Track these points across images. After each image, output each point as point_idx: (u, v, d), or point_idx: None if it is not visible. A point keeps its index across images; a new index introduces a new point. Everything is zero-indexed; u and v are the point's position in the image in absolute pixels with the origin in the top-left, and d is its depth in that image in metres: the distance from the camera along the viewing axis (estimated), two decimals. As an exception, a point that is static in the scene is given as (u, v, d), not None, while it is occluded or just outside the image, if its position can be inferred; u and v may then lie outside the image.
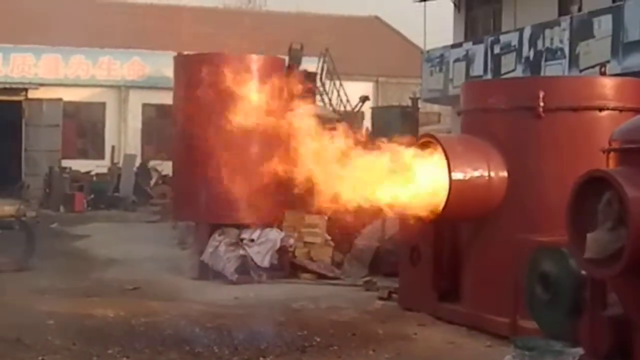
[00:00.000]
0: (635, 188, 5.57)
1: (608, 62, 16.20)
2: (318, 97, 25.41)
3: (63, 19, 28.17)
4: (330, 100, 26.13)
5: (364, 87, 30.83)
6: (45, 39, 30.25)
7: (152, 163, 28.68)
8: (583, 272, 6.31)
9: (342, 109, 25.66)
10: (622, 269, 5.61)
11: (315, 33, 30.96)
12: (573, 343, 6.45)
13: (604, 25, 18.53)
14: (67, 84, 30.87)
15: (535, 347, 6.59)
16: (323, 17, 39.09)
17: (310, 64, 25.33)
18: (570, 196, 6.01)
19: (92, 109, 32.44)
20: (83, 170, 28.26)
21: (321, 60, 26.82)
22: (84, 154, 31.80)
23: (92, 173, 28.47)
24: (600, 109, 8.67)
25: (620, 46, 18.01)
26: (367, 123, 25.76)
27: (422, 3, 26.82)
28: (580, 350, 6.26)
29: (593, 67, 17.44)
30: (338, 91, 26.77)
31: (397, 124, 22.18)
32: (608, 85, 8.94)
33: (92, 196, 25.72)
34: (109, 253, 14.59)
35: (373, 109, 26.96)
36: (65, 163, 27.58)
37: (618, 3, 19.02)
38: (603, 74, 9.42)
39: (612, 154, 6.08)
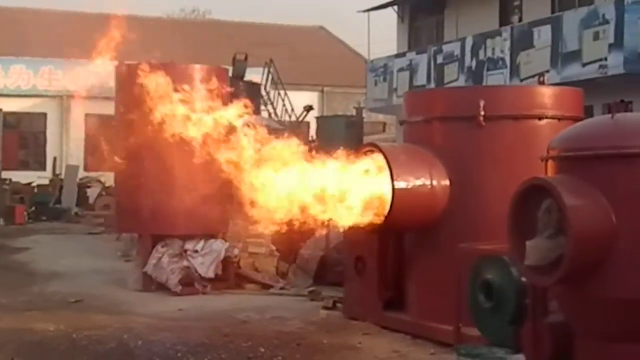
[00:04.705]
0: (573, 196, 5.65)
1: (547, 71, 16.46)
2: (263, 107, 25.42)
3: (3, 29, 27.73)
4: (275, 110, 26.13)
5: (309, 97, 30.92)
6: (-16, 49, 29.81)
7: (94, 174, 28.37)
8: (524, 279, 6.38)
9: (286, 118, 25.67)
10: (561, 276, 5.68)
11: (259, 43, 30.96)
12: (515, 350, 6.51)
13: (543, 35, 18.89)
14: (7, 94, 30.42)
15: (478, 355, 6.64)
16: (267, 27, 39.09)
17: (254, 75, 25.32)
18: (511, 204, 6.07)
19: (34, 120, 32.02)
20: (24, 181, 27.85)
21: (265, 70, 26.81)
22: (25, 165, 31.33)
23: (34, 184, 28.07)
24: (540, 118, 8.79)
25: (559, 56, 18.35)
26: (312, 133, 25.79)
27: (366, 13, 27.00)
28: (521, 357, 6.33)
29: (533, 76, 17.72)
30: (283, 101, 26.78)
31: (342, 133, 22.27)
32: (547, 94, 9.06)
33: (34, 208, 25.34)
34: (50, 266, 14.36)
35: (318, 118, 27.02)
36: (6, 174, 27.10)
37: (557, 14, 19.39)
38: (542, 83, 9.54)
39: (550, 162, 6.16)
